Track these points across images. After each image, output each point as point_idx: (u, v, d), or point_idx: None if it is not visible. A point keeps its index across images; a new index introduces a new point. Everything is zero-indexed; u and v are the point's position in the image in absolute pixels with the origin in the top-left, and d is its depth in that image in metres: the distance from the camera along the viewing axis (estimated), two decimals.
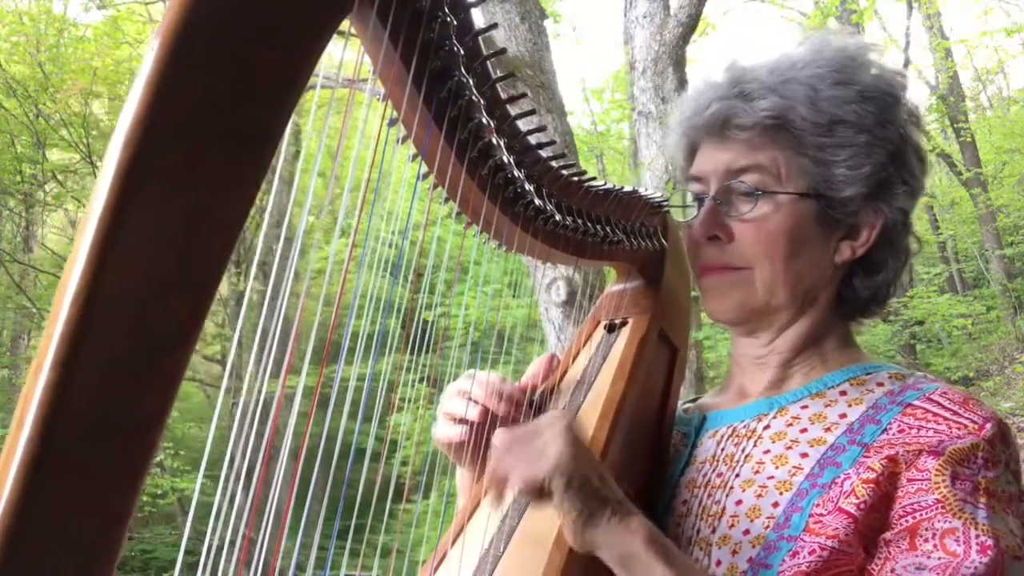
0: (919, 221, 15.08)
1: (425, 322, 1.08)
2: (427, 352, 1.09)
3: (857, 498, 0.86)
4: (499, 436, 0.86)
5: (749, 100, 0.97)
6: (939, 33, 15.40)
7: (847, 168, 0.97)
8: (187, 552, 0.64)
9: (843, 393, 0.98)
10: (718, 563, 0.91)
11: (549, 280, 4.34)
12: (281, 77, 0.52)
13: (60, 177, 12.29)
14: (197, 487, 0.74)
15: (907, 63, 13.88)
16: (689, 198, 1.07)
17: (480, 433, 1.07)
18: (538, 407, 1.11)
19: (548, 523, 0.91)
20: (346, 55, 0.71)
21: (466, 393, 1.07)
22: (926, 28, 15.55)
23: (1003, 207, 14.47)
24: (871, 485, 0.86)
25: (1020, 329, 12.63)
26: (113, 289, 0.46)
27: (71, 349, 0.45)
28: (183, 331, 0.49)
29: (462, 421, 1.07)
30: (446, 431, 1.09)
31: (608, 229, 1.08)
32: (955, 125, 14.95)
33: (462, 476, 1.18)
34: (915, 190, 1.02)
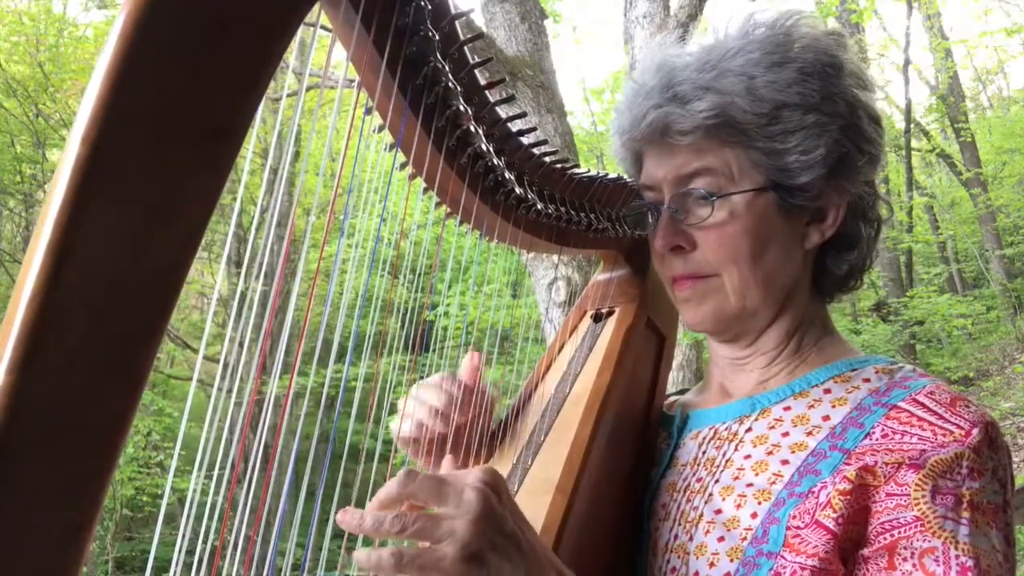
0: (919, 221, 15.20)
1: (425, 321, 1.07)
2: (419, 352, 1.08)
3: (835, 511, 0.82)
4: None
5: (685, 103, 0.92)
6: (939, 33, 15.42)
7: (800, 153, 0.92)
8: (184, 551, 0.63)
9: (827, 391, 0.95)
10: (696, 574, 0.89)
11: (549, 280, 4.33)
12: (246, 68, 0.51)
13: None
14: (167, 485, 0.73)
15: (907, 63, 13.89)
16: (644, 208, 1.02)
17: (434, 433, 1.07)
18: (479, 408, 1.10)
19: (533, 517, 0.90)
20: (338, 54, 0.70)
21: (421, 397, 1.07)
22: (926, 28, 15.57)
23: (1003, 207, 14.47)
24: (847, 497, 0.83)
25: (1020, 329, 12.62)
26: (71, 289, 0.44)
27: (28, 352, 0.43)
28: (146, 330, 0.48)
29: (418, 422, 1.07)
30: (402, 427, 1.09)
31: (593, 217, 1.07)
32: (955, 125, 14.97)
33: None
34: (875, 156, 0.97)
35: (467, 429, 1.08)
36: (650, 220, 1.00)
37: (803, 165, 0.92)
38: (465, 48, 0.78)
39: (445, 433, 1.06)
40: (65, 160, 0.45)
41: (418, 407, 1.07)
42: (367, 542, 0.73)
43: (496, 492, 0.73)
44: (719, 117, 0.91)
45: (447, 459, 0.89)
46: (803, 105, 0.91)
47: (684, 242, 0.95)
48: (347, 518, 0.71)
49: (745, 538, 0.86)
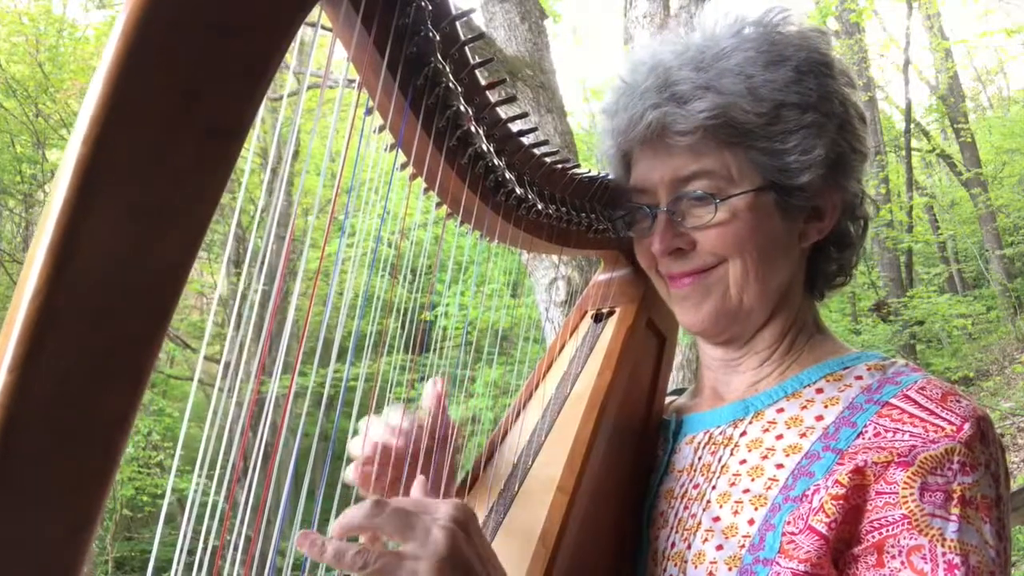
0: (919, 222, 15.19)
1: (423, 321, 1.06)
2: (419, 351, 1.07)
3: (827, 516, 0.82)
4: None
5: (684, 103, 0.90)
6: (939, 33, 15.42)
7: (800, 153, 0.91)
8: (185, 551, 0.62)
9: (820, 391, 0.94)
10: None
11: (549, 280, 4.32)
12: (249, 67, 0.51)
13: None
14: (168, 485, 0.73)
15: (907, 63, 13.88)
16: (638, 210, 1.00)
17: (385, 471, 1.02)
18: (442, 438, 1.06)
19: (534, 517, 0.90)
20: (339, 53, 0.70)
21: (366, 434, 1.01)
22: (926, 28, 15.57)
23: (1003, 207, 14.47)
24: (840, 501, 0.82)
25: (1020, 329, 12.61)
26: (72, 289, 0.44)
27: (29, 351, 0.43)
28: (147, 330, 0.48)
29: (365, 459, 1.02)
30: (351, 469, 1.03)
31: (593, 217, 1.06)
32: (955, 125, 14.97)
33: None
34: (865, 154, 0.98)
35: (424, 460, 1.03)
36: (642, 223, 0.99)
37: (803, 165, 0.92)
38: (466, 48, 0.78)
39: (397, 462, 1.01)
40: (67, 160, 0.45)
41: (372, 432, 1.01)
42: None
43: (465, 531, 0.71)
44: (720, 117, 0.89)
45: (418, 482, 0.85)
46: (801, 104, 0.91)
47: (683, 243, 0.95)
48: (307, 544, 0.68)
49: (743, 546, 0.86)
